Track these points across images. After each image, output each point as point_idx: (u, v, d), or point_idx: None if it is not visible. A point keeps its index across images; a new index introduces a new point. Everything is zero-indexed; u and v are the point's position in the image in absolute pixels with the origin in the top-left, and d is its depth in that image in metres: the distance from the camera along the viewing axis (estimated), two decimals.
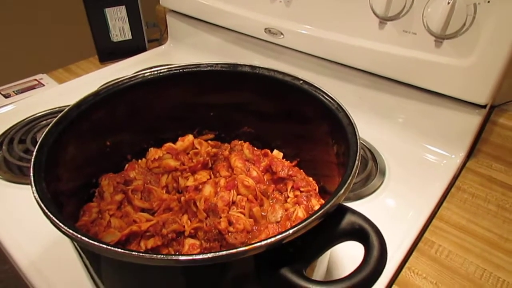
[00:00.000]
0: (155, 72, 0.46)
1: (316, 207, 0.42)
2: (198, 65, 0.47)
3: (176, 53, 0.93)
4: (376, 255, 0.26)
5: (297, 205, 0.43)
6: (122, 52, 0.89)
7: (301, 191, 0.45)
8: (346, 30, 0.64)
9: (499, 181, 0.61)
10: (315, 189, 0.45)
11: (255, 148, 0.51)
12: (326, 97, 0.40)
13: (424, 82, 0.60)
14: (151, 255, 0.25)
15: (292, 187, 0.46)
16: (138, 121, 0.48)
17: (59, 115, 0.38)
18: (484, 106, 0.58)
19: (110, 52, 0.88)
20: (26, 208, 0.50)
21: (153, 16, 1.01)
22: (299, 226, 0.26)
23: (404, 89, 0.64)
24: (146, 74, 0.45)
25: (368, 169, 0.59)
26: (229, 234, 0.41)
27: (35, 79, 0.85)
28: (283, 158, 0.50)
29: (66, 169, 0.39)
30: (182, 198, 0.44)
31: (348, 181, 0.29)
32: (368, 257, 0.26)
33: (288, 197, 0.46)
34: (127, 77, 0.45)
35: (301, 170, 0.47)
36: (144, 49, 0.92)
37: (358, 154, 0.32)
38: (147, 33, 0.91)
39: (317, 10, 0.66)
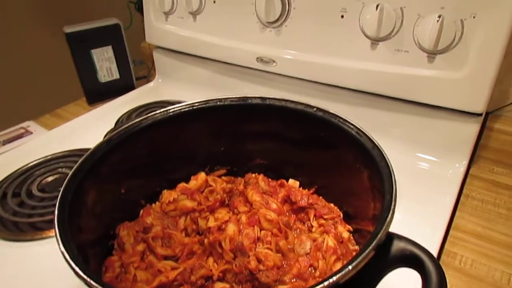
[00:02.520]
0: (165, 112, 0.45)
1: (345, 234, 0.42)
2: (206, 101, 0.47)
3: (165, 88, 0.92)
4: (436, 283, 0.26)
5: (325, 234, 0.42)
6: (110, 92, 0.87)
7: (325, 219, 0.44)
8: (338, 53, 0.66)
9: (504, 184, 0.62)
10: (340, 216, 0.44)
11: (270, 179, 0.50)
12: (345, 122, 0.40)
13: (421, 96, 0.62)
14: None
15: (315, 215, 0.45)
16: (150, 163, 0.46)
17: (75, 167, 0.37)
18: (480, 114, 0.60)
19: (98, 93, 0.87)
20: (25, 268, 0.47)
21: (139, 53, 1.01)
22: (357, 261, 0.25)
23: (400, 105, 0.65)
24: (156, 115, 0.45)
25: None
26: (260, 273, 0.39)
27: (22, 127, 0.82)
28: (299, 186, 0.49)
29: (86, 223, 0.37)
30: (206, 240, 0.43)
31: (392, 206, 0.29)
32: (428, 286, 0.26)
33: (312, 226, 0.45)
34: (137, 120, 0.44)
35: (320, 197, 0.47)
36: (132, 87, 0.91)
37: (393, 178, 0.32)
38: (134, 71, 0.90)
39: (308, 35, 0.67)
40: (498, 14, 0.52)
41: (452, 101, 0.60)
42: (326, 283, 0.25)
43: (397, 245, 0.28)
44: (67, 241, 0.30)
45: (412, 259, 0.27)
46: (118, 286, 0.37)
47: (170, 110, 0.45)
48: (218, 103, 0.46)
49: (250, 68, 0.78)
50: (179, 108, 0.46)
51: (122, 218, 0.44)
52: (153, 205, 0.48)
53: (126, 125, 0.43)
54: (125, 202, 0.45)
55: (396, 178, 0.33)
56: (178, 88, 0.91)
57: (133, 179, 0.45)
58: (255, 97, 0.46)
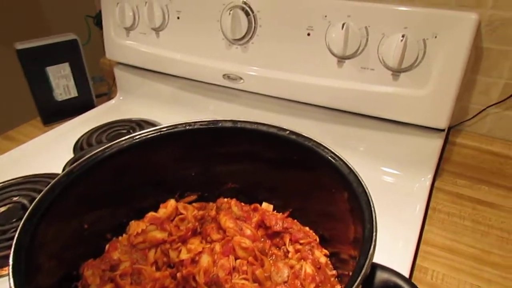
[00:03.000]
0: (130, 139, 0.42)
1: (322, 259, 0.41)
2: (175, 126, 0.45)
3: (127, 106, 0.88)
4: None
5: (302, 260, 0.41)
6: (68, 111, 0.82)
7: (301, 244, 0.43)
8: (305, 70, 0.66)
9: (467, 196, 0.64)
10: (316, 240, 0.43)
11: (243, 204, 0.48)
12: (319, 146, 0.39)
13: (386, 113, 0.63)
14: None
15: (290, 239, 0.44)
16: (115, 193, 0.44)
17: (32, 206, 0.34)
18: (443, 130, 0.62)
19: (55, 112, 0.82)
20: None
21: (99, 69, 0.96)
22: None
23: (366, 120, 0.66)
24: (121, 142, 0.42)
25: None
26: None
27: None
28: (273, 210, 0.48)
29: (45, 265, 0.34)
30: (178, 274, 0.40)
31: (374, 236, 0.28)
32: None
33: (288, 251, 0.44)
34: (100, 148, 0.41)
35: (295, 221, 0.46)
36: (92, 106, 0.86)
37: (372, 206, 0.31)
38: (94, 88, 0.86)
39: (275, 52, 0.67)
40: (458, 34, 0.54)
41: (416, 117, 0.61)
42: None
43: (380, 276, 0.28)
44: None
45: None
46: None
47: (136, 137, 0.43)
48: (187, 127, 0.44)
49: (215, 84, 0.76)
50: (146, 133, 0.43)
51: (86, 254, 0.41)
52: (120, 238, 0.45)
53: (89, 155, 0.40)
54: (89, 238, 0.41)
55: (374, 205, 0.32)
56: (141, 106, 0.87)
57: (97, 211, 0.42)
58: (226, 120, 0.44)
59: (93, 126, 0.79)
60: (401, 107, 0.61)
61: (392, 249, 0.54)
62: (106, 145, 0.41)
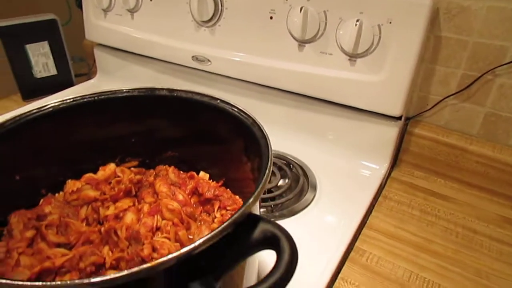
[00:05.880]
0: (68, 101, 0.44)
1: None
2: (114, 92, 0.46)
3: (106, 86, 0.90)
4: (286, 259, 0.26)
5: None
6: (47, 88, 0.85)
7: (227, 210, 0.44)
8: (269, 54, 0.67)
9: (421, 187, 0.64)
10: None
11: (181, 172, 0.50)
12: (242, 113, 0.40)
13: (343, 98, 0.64)
14: (60, 283, 0.23)
15: (219, 207, 0.45)
16: (52, 153, 0.45)
17: None
18: (399, 118, 0.62)
19: (34, 89, 0.84)
20: None
21: (81, 50, 0.99)
22: (207, 237, 0.25)
23: (331, 108, 0.67)
24: (57, 104, 0.43)
25: (300, 185, 0.60)
26: (153, 260, 0.39)
27: None
28: (209, 179, 0.49)
29: None
30: (102, 228, 0.42)
31: (258, 189, 0.29)
32: (279, 262, 0.26)
33: (215, 217, 0.45)
34: (36, 107, 0.43)
35: (228, 190, 0.47)
36: (71, 84, 0.89)
37: (269, 163, 0.32)
38: (74, 67, 0.89)
39: (241, 36, 0.68)
40: (412, 21, 0.54)
41: (372, 104, 0.62)
42: (178, 253, 0.25)
43: (261, 227, 0.29)
44: None
45: (271, 239, 0.28)
46: None
47: (77, 98, 0.44)
48: (126, 94, 0.46)
49: (188, 67, 0.78)
50: (86, 96, 0.45)
51: (20, 206, 0.43)
52: (57, 195, 0.46)
53: (25, 112, 0.41)
54: (22, 190, 0.43)
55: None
56: (119, 86, 0.89)
57: (31, 167, 0.44)
58: (163, 89, 0.46)
59: None
60: (358, 93, 0.62)
61: (334, 229, 0.54)
62: (43, 105, 0.43)
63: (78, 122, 0.45)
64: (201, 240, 0.25)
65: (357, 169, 0.65)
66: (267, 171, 0.32)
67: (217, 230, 0.26)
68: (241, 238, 0.29)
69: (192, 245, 0.25)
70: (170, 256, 0.25)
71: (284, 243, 0.27)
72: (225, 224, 0.26)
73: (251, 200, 0.29)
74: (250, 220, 0.29)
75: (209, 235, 0.26)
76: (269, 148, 0.35)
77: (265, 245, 0.29)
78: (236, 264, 0.29)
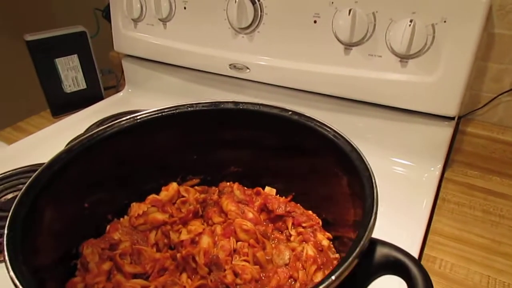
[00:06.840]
0: (132, 119, 0.42)
1: (324, 242, 0.40)
2: (177, 107, 0.44)
3: (135, 98, 0.89)
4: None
5: (304, 242, 0.40)
6: (77, 103, 0.83)
7: (303, 227, 0.42)
8: (311, 58, 0.65)
9: (478, 186, 0.63)
10: (319, 223, 0.42)
11: (246, 188, 0.48)
12: (321, 125, 0.38)
13: (395, 101, 0.62)
14: None
15: (293, 223, 0.43)
16: (116, 175, 0.43)
17: (30, 180, 0.34)
18: (453, 118, 0.61)
19: (64, 104, 0.82)
20: None
21: (108, 62, 0.97)
22: (340, 270, 0.24)
23: (375, 109, 0.65)
24: (122, 122, 0.42)
25: None
26: (238, 287, 0.37)
27: None
28: (276, 194, 0.47)
29: (43, 243, 0.33)
30: (178, 254, 0.40)
31: (374, 210, 0.27)
32: None
33: (290, 235, 0.43)
34: (101, 128, 0.41)
35: (298, 205, 0.45)
36: (101, 98, 0.87)
37: (373, 181, 0.30)
38: (102, 80, 0.87)
39: (281, 41, 0.66)
40: (468, 19, 0.53)
41: (425, 105, 0.60)
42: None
43: (380, 251, 0.27)
44: (18, 265, 0.27)
45: (396, 265, 0.26)
46: None
47: (138, 117, 0.43)
48: (189, 108, 0.44)
49: (223, 75, 0.76)
50: (148, 114, 0.43)
51: (87, 235, 0.41)
52: (121, 219, 0.45)
53: (89, 133, 0.40)
54: (90, 218, 0.41)
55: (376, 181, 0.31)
56: (149, 98, 0.87)
57: (98, 192, 0.42)
58: (228, 102, 0.44)
59: (101, 118, 0.79)
60: (409, 94, 0.60)
61: (399, 238, 0.52)
62: (107, 125, 0.41)
63: (141, 141, 0.44)
64: (336, 273, 0.23)
65: (409, 172, 0.64)
66: (375, 189, 0.30)
67: (347, 262, 0.24)
68: (362, 266, 0.27)
69: (328, 280, 0.23)
70: None
71: (415, 272, 0.25)
72: (355, 251, 0.25)
73: (370, 222, 0.27)
74: (370, 245, 0.27)
75: (341, 269, 0.24)
76: (366, 163, 0.33)
77: (387, 270, 0.27)
78: None
